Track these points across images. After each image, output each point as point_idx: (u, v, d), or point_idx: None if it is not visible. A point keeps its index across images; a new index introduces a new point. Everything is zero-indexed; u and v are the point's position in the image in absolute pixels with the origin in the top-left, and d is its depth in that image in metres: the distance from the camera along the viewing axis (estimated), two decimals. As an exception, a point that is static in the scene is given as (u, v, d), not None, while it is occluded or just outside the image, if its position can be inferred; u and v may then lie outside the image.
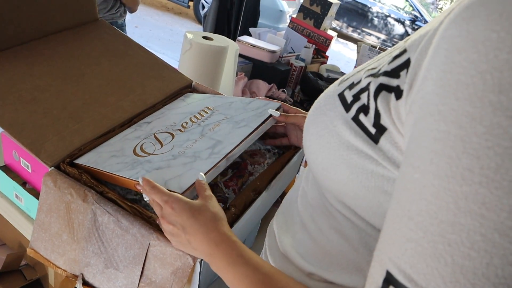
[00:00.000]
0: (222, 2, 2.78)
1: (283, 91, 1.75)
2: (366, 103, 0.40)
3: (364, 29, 7.60)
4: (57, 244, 0.67)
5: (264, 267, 0.49)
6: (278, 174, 0.76)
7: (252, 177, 0.75)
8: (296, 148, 0.83)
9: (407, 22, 7.24)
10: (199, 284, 0.60)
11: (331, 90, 0.47)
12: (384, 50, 2.20)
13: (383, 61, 0.41)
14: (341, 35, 7.62)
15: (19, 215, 0.81)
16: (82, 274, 0.67)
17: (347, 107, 0.42)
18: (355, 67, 2.18)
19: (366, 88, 0.40)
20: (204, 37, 1.29)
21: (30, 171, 0.77)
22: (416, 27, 7.07)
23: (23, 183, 0.80)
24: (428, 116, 0.30)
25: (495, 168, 0.27)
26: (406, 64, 0.35)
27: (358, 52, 2.21)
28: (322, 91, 1.84)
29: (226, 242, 0.52)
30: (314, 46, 2.16)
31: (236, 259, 0.50)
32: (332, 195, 0.47)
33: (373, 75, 0.40)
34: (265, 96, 1.70)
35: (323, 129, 0.45)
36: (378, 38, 7.51)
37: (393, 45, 6.60)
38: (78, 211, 0.63)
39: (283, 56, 1.90)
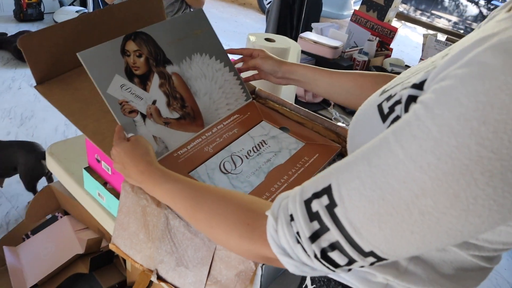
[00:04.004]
0: (284, -1, 2.78)
1: (345, 87, 1.75)
2: (399, 114, 0.44)
3: (433, 11, 7.19)
4: (134, 242, 0.75)
5: (181, 178, 0.61)
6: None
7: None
8: (337, 147, 0.87)
9: (482, 2, 6.74)
10: (260, 285, 0.65)
11: (373, 100, 0.51)
12: (453, 41, 2.11)
13: (419, 76, 0.44)
14: (409, 19, 7.28)
15: (102, 211, 0.91)
16: (157, 270, 0.74)
17: (384, 117, 0.46)
18: (421, 58, 2.10)
19: (400, 101, 0.44)
20: (267, 39, 1.32)
21: (110, 173, 0.86)
22: (492, 6, 6.55)
23: (104, 183, 0.89)
24: (424, 107, 0.36)
25: (446, 173, 0.34)
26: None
27: (424, 44, 2.14)
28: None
29: (150, 169, 0.64)
30: (377, 38, 2.12)
31: (159, 179, 0.62)
32: None
33: (405, 88, 0.44)
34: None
35: (365, 137, 0.48)
36: (449, 20, 7.07)
37: (466, 28, 6.19)
38: (152, 214, 0.70)
39: (346, 51, 1.89)
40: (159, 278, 0.75)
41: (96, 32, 0.91)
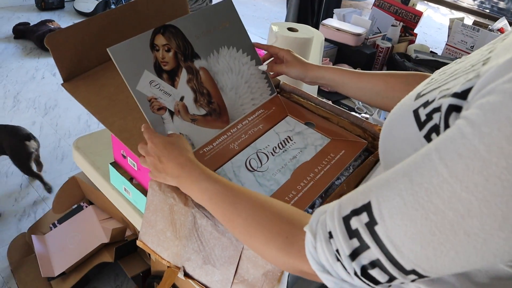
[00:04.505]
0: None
1: (368, 75, 1.72)
2: (437, 123, 0.42)
3: (458, -9, 6.96)
4: (162, 239, 0.76)
5: (221, 179, 0.60)
6: (364, 178, 0.78)
7: (339, 181, 0.78)
8: (363, 143, 0.85)
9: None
10: (287, 285, 0.65)
11: (407, 104, 0.49)
12: (480, 25, 2.04)
13: (458, 82, 0.42)
14: None
15: (128, 206, 0.92)
16: (184, 267, 0.75)
17: (420, 125, 0.44)
18: (446, 44, 2.04)
19: (438, 109, 0.42)
20: (289, 29, 1.30)
21: (136, 169, 0.86)
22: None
23: (131, 179, 0.90)
24: (470, 124, 0.35)
25: (495, 194, 0.33)
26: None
27: (450, 28, 2.07)
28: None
29: (190, 165, 0.64)
30: (401, 23, 2.06)
31: (198, 176, 0.62)
32: None
33: (445, 96, 0.42)
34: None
35: (400, 143, 0.47)
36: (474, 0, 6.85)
37: (492, 7, 5.98)
38: (180, 213, 0.71)
39: (369, 37, 1.84)
40: (186, 275, 0.75)
41: (120, 28, 0.90)
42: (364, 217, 0.40)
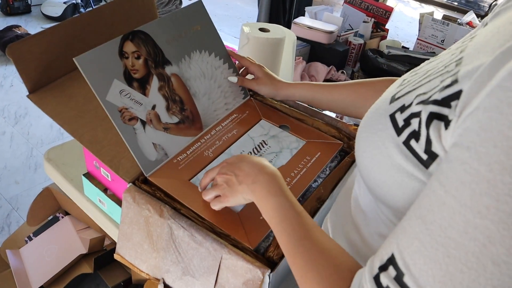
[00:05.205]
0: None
1: (343, 72, 1.72)
2: (417, 129, 0.41)
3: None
4: (139, 252, 0.74)
5: (298, 205, 0.56)
6: (341, 180, 0.78)
7: (316, 184, 0.77)
8: (339, 144, 0.86)
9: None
10: (268, 293, 0.64)
11: (383, 108, 0.48)
12: (449, 19, 2.07)
13: (433, 85, 0.41)
14: (402, -6, 7.18)
15: (103, 218, 0.90)
16: (163, 279, 0.73)
17: (398, 130, 0.43)
18: (417, 38, 2.07)
19: (417, 115, 0.41)
20: (261, 29, 1.29)
21: (109, 179, 0.84)
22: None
23: (105, 189, 0.87)
24: (466, 149, 0.34)
25: (510, 213, 0.31)
26: (457, 95, 0.37)
27: (420, 23, 2.10)
28: (382, 69, 1.78)
29: (269, 173, 0.59)
30: (373, 19, 2.08)
31: (277, 191, 0.57)
32: (384, 206, 0.49)
33: (424, 102, 0.41)
34: (325, 79, 1.68)
35: (375, 149, 0.46)
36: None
37: (460, 0, 6.10)
38: (156, 225, 0.69)
39: (341, 35, 1.85)
40: (166, 286, 0.74)
41: (85, 36, 0.88)
42: (392, 271, 0.38)
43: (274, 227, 0.55)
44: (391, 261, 0.39)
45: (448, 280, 0.34)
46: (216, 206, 0.66)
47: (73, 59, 0.68)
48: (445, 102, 0.38)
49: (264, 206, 0.58)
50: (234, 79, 0.90)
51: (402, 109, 0.44)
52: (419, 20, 2.13)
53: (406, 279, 0.37)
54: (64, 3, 4.09)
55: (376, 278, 0.40)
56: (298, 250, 0.51)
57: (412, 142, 0.41)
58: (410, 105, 0.43)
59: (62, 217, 1.64)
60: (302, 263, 0.50)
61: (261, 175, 0.59)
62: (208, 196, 0.67)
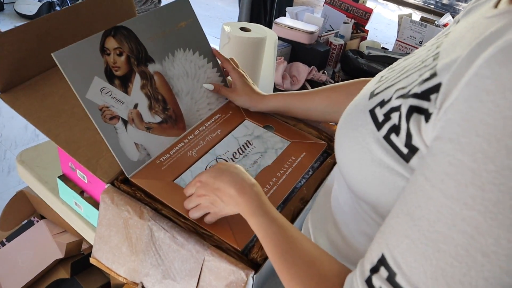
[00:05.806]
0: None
1: (324, 72, 1.73)
2: (397, 123, 0.41)
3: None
4: (117, 255, 0.72)
5: (280, 218, 0.55)
6: (324, 180, 0.77)
7: (300, 184, 0.76)
8: (323, 144, 0.85)
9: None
10: (252, 295, 0.63)
11: (362, 104, 0.48)
12: (427, 21, 2.10)
13: (412, 79, 0.41)
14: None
15: (80, 221, 0.87)
16: (142, 283, 0.71)
17: (378, 125, 0.43)
18: (396, 39, 2.09)
19: (396, 109, 0.41)
20: (242, 28, 1.28)
21: (86, 181, 0.81)
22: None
23: (81, 192, 0.85)
24: (448, 141, 0.34)
25: (496, 202, 0.31)
26: (436, 88, 0.37)
27: (399, 25, 2.13)
28: (363, 70, 1.80)
29: (249, 193, 0.57)
30: (353, 20, 2.09)
31: (256, 210, 0.56)
32: (365, 203, 0.49)
33: (403, 96, 0.41)
34: (306, 79, 1.68)
35: (356, 144, 0.46)
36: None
37: (436, 3, 6.22)
38: (135, 227, 0.67)
39: (322, 35, 1.86)
40: (146, 290, 0.72)
41: (61, 34, 0.85)
42: (383, 272, 0.38)
43: (261, 242, 0.55)
44: (382, 261, 0.38)
45: (440, 276, 0.34)
46: (210, 220, 0.65)
47: (52, 54, 0.65)
48: (425, 95, 0.38)
49: (249, 222, 0.57)
50: (210, 86, 0.88)
51: (382, 104, 0.44)
52: (398, 21, 2.16)
53: (399, 279, 0.37)
54: (39, 1, 3.99)
55: (368, 281, 0.39)
56: (284, 265, 0.50)
57: (393, 136, 0.41)
58: (389, 100, 0.43)
59: (37, 221, 1.59)
60: (288, 277, 0.49)
61: (241, 197, 0.58)
62: (195, 214, 0.65)
